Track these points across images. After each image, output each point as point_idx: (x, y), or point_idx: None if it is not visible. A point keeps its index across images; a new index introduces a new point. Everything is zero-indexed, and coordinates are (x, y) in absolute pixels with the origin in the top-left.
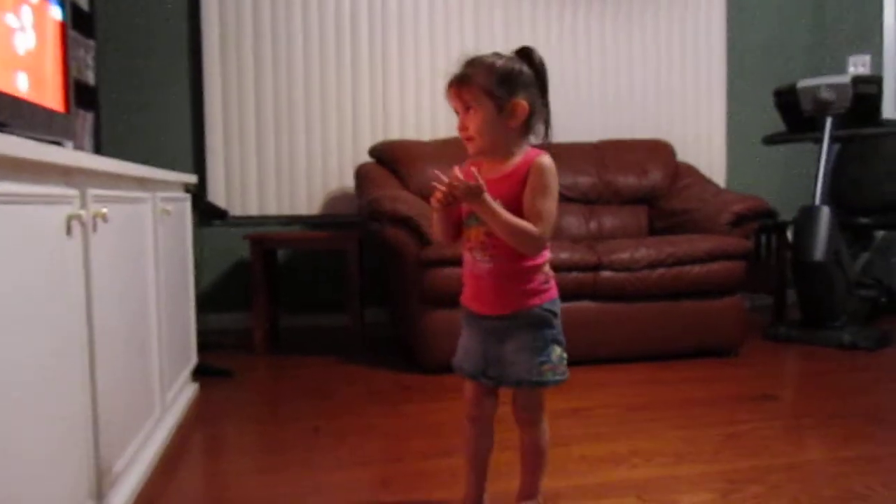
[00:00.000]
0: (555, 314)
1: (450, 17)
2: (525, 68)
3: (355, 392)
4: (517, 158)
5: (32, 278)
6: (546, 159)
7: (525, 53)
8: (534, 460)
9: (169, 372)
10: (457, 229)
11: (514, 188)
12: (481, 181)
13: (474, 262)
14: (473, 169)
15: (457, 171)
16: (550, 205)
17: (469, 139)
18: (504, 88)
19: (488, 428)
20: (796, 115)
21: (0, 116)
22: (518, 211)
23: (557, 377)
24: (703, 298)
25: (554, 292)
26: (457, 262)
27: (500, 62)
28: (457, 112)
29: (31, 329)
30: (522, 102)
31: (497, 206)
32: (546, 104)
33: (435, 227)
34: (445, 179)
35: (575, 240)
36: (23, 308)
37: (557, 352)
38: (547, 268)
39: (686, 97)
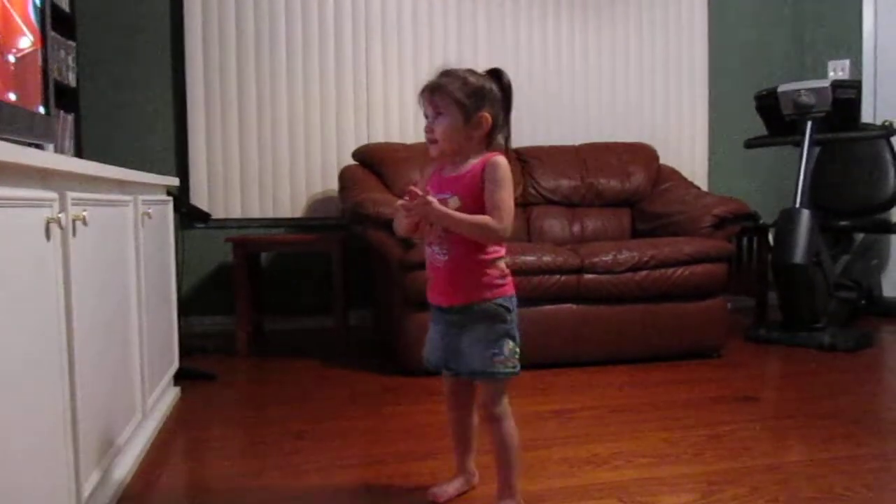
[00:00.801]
0: (509, 310)
1: (433, 21)
2: (494, 87)
3: (338, 395)
4: (475, 161)
5: (10, 282)
6: (500, 158)
7: (496, 74)
8: (503, 457)
9: (151, 375)
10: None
11: (470, 186)
12: (429, 197)
13: (433, 256)
14: (413, 188)
15: (414, 188)
16: (506, 196)
17: (433, 141)
18: (473, 101)
19: (466, 415)
20: (777, 119)
21: None
22: (477, 205)
23: (508, 370)
24: (685, 301)
25: (510, 289)
26: None
27: (472, 78)
28: (426, 116)
29: (9, 333)
30: (487, 116)
31: (447, 210)
32: (508, 122)
33: (399, 222)
34: (415, 193)
35: (558, 242)
36: (0, 312)
37: (510, 346)
38: (502, 263)
39: (668, 100)
